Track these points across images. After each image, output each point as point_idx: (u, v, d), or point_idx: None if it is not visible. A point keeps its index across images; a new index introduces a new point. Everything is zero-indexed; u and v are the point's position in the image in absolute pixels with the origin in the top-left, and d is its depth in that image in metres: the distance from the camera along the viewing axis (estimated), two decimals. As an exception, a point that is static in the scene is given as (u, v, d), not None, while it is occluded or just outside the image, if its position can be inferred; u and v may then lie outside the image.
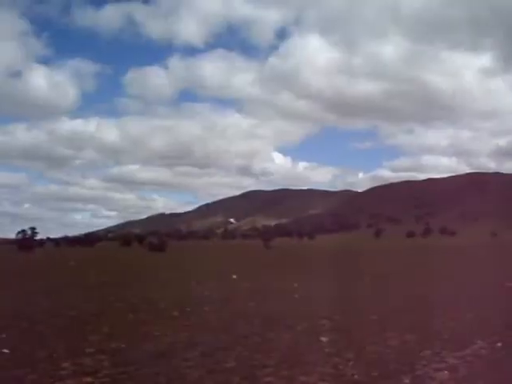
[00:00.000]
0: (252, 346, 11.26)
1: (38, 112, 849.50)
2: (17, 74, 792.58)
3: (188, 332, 12.83)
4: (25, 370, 9.42)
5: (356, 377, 8.93)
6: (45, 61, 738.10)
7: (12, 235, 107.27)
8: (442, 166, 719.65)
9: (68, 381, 8.81)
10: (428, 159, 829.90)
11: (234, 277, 27.70)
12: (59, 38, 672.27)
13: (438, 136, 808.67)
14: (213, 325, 13.85)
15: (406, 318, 14.51)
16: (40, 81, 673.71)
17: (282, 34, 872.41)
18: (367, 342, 11.58)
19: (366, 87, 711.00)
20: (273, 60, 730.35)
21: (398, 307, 16.55)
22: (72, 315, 15.42)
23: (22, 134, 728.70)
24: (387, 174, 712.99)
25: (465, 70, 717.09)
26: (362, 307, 16.65)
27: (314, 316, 14.97)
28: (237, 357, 10.28)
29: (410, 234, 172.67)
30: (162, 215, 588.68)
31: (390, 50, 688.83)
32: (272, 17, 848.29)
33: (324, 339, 11.87)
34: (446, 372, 9.14)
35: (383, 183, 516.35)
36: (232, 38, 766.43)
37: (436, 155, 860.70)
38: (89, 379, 8.86)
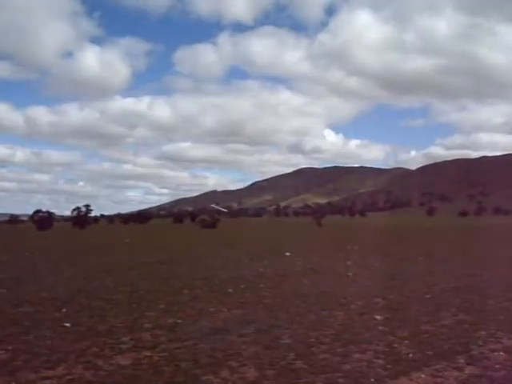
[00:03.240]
0: (307, 323, 11.38)
1: (90, 91, 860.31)
2: (69, 55, 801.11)
3: (243, 309, 13.04)
4: (86, 343, 9.76)
5: (411, 355, 8.95)
6: (96, 41, 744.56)
7: (67, 212, 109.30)
8: (497, 143, 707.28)
9: (128, 354, 9.07)
10: (482, 137, 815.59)
11: (288, 254, 27.82)
12: (110, 18, 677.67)
13: (492, 113, 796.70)
14: (268, 302, 14.02)
15: (461, 297, 14.41)
16: (92, 60, 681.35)
17: (331, 10, 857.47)
18: (421, 321, 11.58)
19: (418, 63, 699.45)
20: (322, 36, 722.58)
21: (452, 287, 16.43)
22: (129, 292, 15.76)
23: (75, 114, 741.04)
24: (440, 151, 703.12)
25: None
26: (416, 286, 16.55)
27: (367, 294, 15.03)
28: (292, 334, 10.42)
29: (463, 213, 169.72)
30: (213, 192, 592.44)
31: (443, 24, 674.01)
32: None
33: (378, 317, 11.91)
34: (502, 353, 9.09)
35: (436, 161, 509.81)
36: (281, 15, 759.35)
37: (490, 132, 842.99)
38: (148, 353, 9.10)
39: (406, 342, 9.85)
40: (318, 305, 13.49)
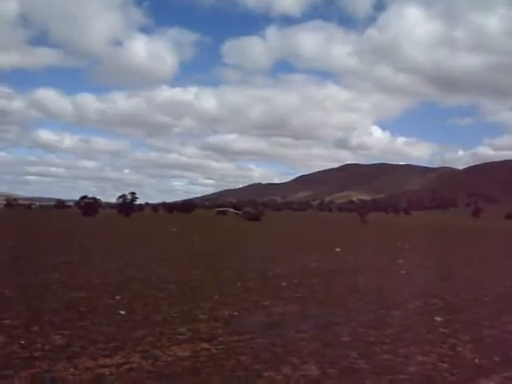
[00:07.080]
0: (365, 321, 11.10)
1: (137, 80, 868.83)
2: (118, 43, 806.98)
3: (298, 304, 12.80)
4: (142, 332, 9.64)
5: (477, 361, 8.60)
6: (145, 30, 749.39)
7: (113, 199, 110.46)
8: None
9: (185, 345, 8.90)
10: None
11: (338, 250, 27.51)
12: (159, 8, 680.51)
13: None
14: (323, 298, 13.75)
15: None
16: (140, 49, 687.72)
17: (380, 5, 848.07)
18: (483, 324, 11.19)
19: (468, 61, 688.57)
20: (371, 32, 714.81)
21: (511, 290, 16.01)
22: (182, 281, 15.67)
23: (122, 102, 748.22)
24: (488, 152, 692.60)
25: None
26: (473, 288, 16.08)
27: (423, 294, 14.68)
28: (352, 332, 10.16)
29: (510, 216, 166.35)
30: (258, 185, 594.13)
31: (494, 21, 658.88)
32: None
33: (438, 319, 11.56)
34: None
35: (484, 161, 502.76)
36: (329, 9, 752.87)
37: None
38: (205, 345, 8.91)
39: (470, 346, 9.48)
40: (374, 303, 13.18)
